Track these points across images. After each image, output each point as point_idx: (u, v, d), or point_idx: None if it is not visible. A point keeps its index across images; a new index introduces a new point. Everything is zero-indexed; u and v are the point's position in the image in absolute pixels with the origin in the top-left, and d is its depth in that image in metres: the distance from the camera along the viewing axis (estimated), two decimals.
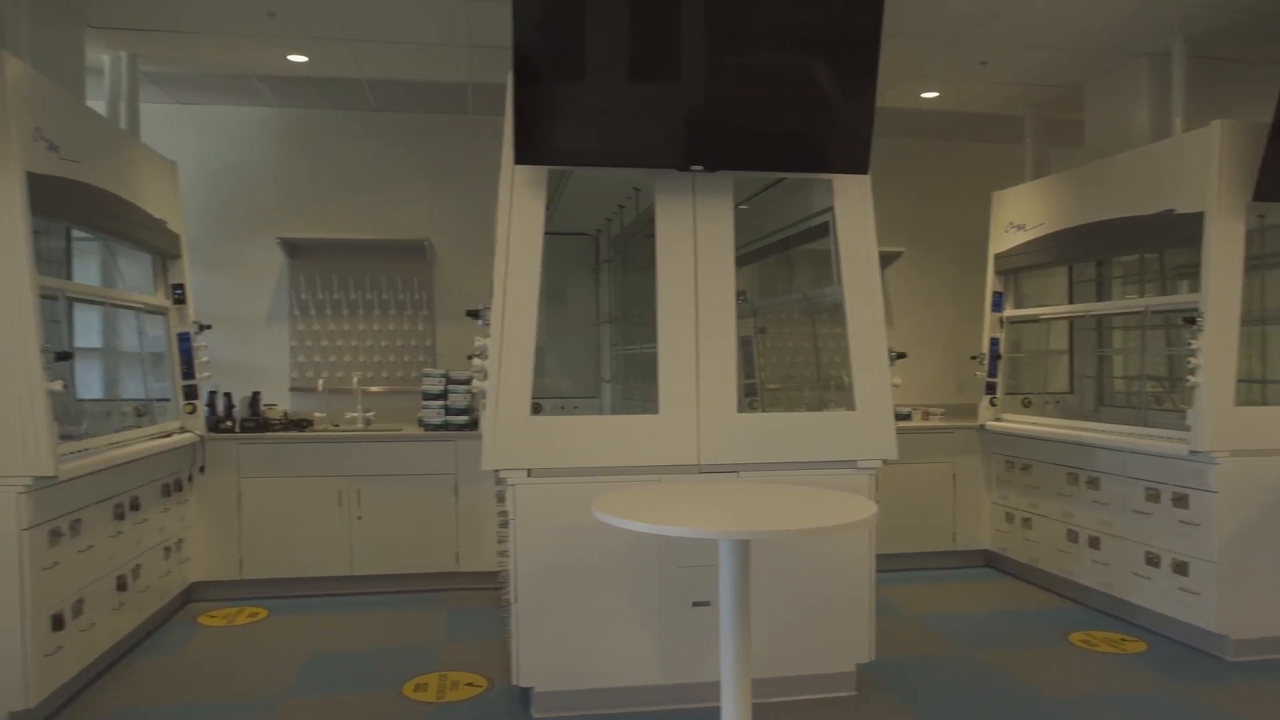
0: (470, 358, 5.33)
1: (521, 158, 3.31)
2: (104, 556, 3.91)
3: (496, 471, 3.53)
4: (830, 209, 3.73)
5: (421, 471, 5.25)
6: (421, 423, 5.39)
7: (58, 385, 3.31)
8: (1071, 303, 5.63)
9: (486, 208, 5.87)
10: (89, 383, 4.66)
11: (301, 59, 5.02)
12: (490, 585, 5.24)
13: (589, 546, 3.48)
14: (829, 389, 4.48)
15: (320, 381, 5.82)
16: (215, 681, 3.95)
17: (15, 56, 3.30)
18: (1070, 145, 6.06)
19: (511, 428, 3.43)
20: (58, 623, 3.47)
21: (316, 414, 5.50)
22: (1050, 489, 5.18)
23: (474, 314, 4.14)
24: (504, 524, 3.77)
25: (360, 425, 5.46)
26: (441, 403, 5.36)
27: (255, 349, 5.89)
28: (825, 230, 3.96)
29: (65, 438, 3.62)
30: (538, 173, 3.44)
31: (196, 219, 5.56)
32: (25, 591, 3.27)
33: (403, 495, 5.23)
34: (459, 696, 3.77)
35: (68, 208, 3.69)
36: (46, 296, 3.54)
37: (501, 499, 4.18)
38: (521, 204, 3.45)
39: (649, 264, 4.17)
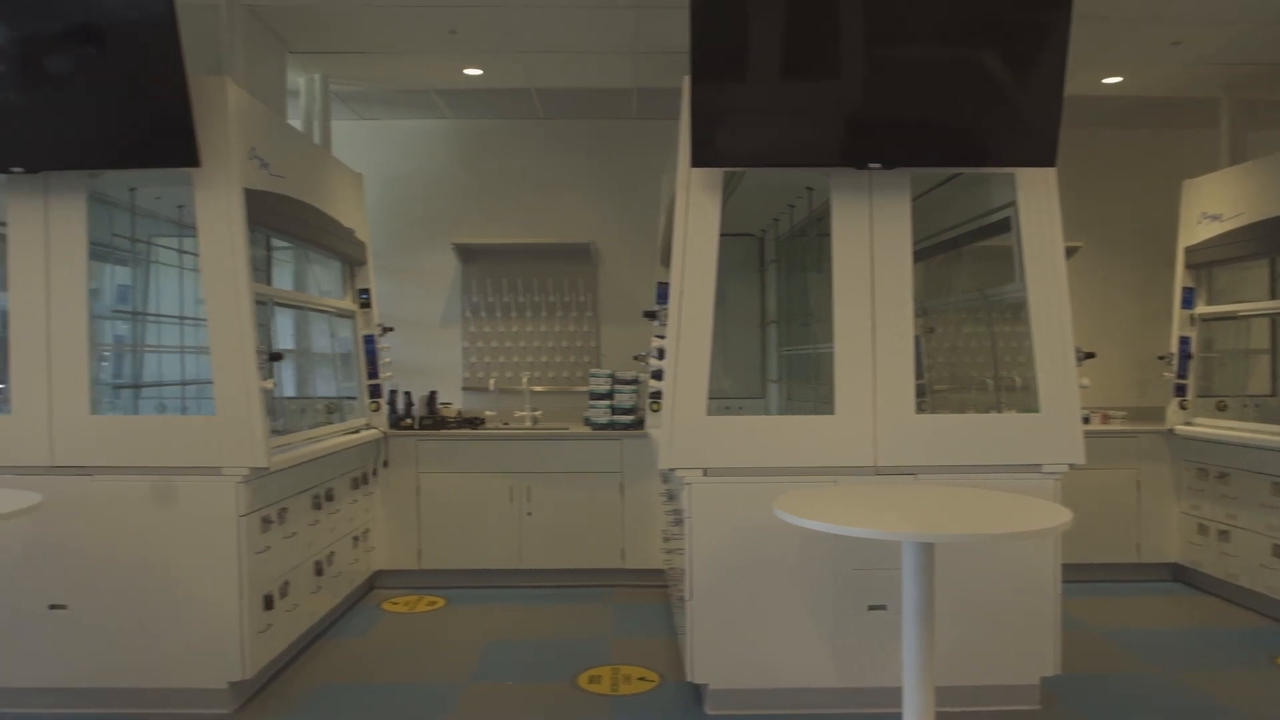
0: (636, 358, 5.44)
1: (699, 160, 3.35)
2: (304, 543, 4.21)
3: (671, 470, 3.58)
4: (1012, 203, 3.60)
5: (588, 469, 5.38)
6: (588, 422, 5.53)
7: (270, 384, 3.59)
8: (1275, 298, 5.22)
9: (649, 211, 6.00)
10: (287, 381, 5.02)
11: (476, 72, 5.25)
12: (654, 583, 5.32)
13: (764, 546, 3.49)
14: (1005, 390, 4.32)
15: (491, 381, 6.06)
16: (403, 663, 4.18)
17: (235, 83, 3.59)
18: (1271, 128, 5.62)
19: (688, 427, 3.48)
20: (268, 603, 3.76)
21: (488, 412, 5.73)
22: (1251, 500, 4.82)
23: (650, 315, 4.22)
24: (677, 522, 3.82)
25: (528, 424, 5.65)
26: (608, 402, 5.47)
27: (430, 350, 6.20)
28: (1001, 226, 3.83)
29: (272, 433, 3.91)
30: (714, 175, 3.47)
31: (378, 227, 5.90)
32: (242, 573, 3.55)
33: (570, 492, 5.38)
34: (632, 690, 3.84)
35: (275, 219, 3.99)
36: (257, 302, 3.84)
37: (672, 497, 4.24)
38: (697, 206, 3.49)
39: (818, 264, 4.15)
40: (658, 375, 4.95)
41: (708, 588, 3.53)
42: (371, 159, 6.04)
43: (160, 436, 3.56)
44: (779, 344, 5.31)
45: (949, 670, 3.40)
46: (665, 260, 5.22)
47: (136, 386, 4.23)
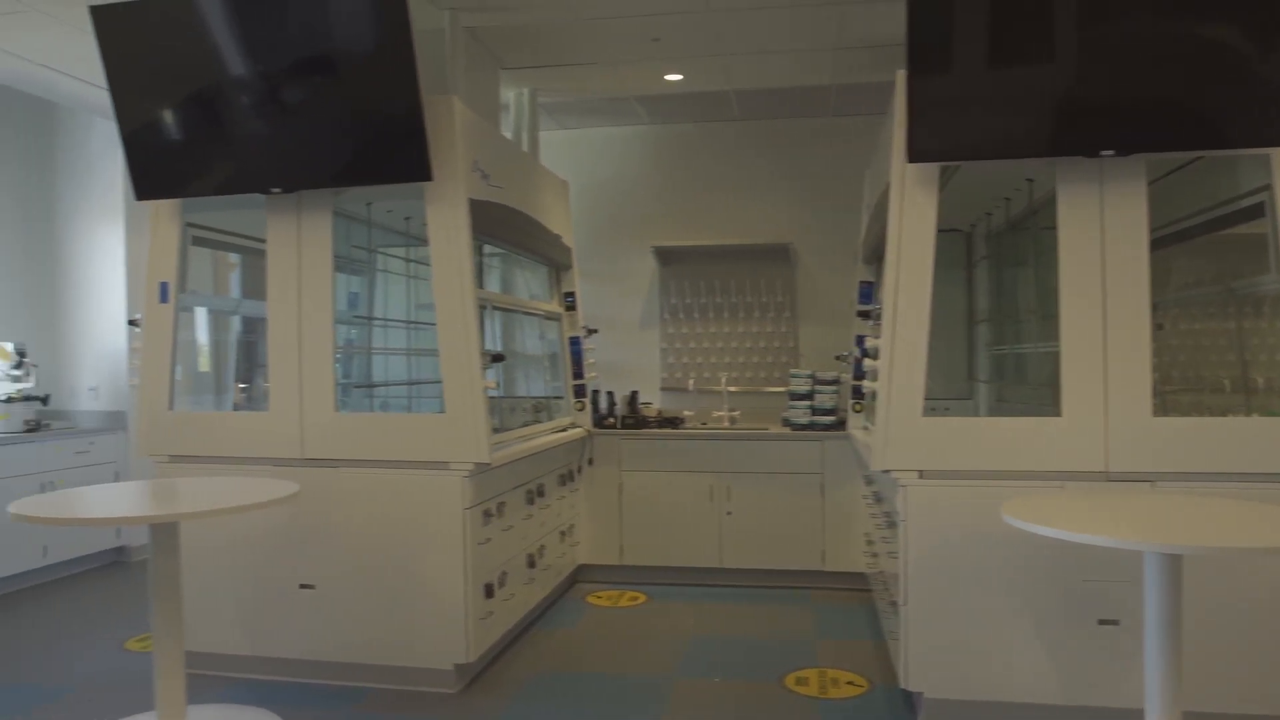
0: (838, 358, 5.37)
1: (916, 155, 3.26)
2: (519, 536, 4.41)
3: (884, 472, 3.50)
4: (1266, 187, 3.29)
5: (788, 470, 5.35)
6: (787, 422, 5.50)
7: (493, 384, 3.79)
8: None
9: (849, 209, 5.90)
10: (500, 381, 5.28)
11: (677, 77, 5.34)
12: (857, 586, 5.23)
13: (985, 552, 3.35)
14: (1249, 393, 3.95)
15: (690, 381, 6.14)
16: (612, 655, 4.30)
17: (460, 101, 3.82)
18: None
19: (903, 429, 3.39)
20: (489, 591, 3.97)
21: (686, 412, 5.81)
22: None
23: (864, 314, 4.15)
24: (889, 524, 3.74)
25: (727, 424, 5.68)
26: (808, 403, 5.43)
27: (630, 351, 6.35)
28: (1246, 214, 3.51)
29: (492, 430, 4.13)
30: (930, 170, 3.37)
31: (580, 232, 6.10)
32: (467, 562, 3.77)
33: (770, 493, 5.37)
34: (841, 694, 3.79)
35: (494, 227, 4.21)
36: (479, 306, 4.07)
37: (880, 499, 4.15)
38: (913, 203, 3.40)
39: (1036, 259, 3.94)
40: (861, 375, 4.87)
41: (923, 593, 3.43)
42: (573, 166, 6.26)
43: (395, 433, 3.84)
44: (989, 343, 5.10)
45: (1193, 694, 3.15)
46: (867, 259, 5.12)
47: (371, 386, 4.57)
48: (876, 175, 4.47)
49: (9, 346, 5.68)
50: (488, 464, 3.78)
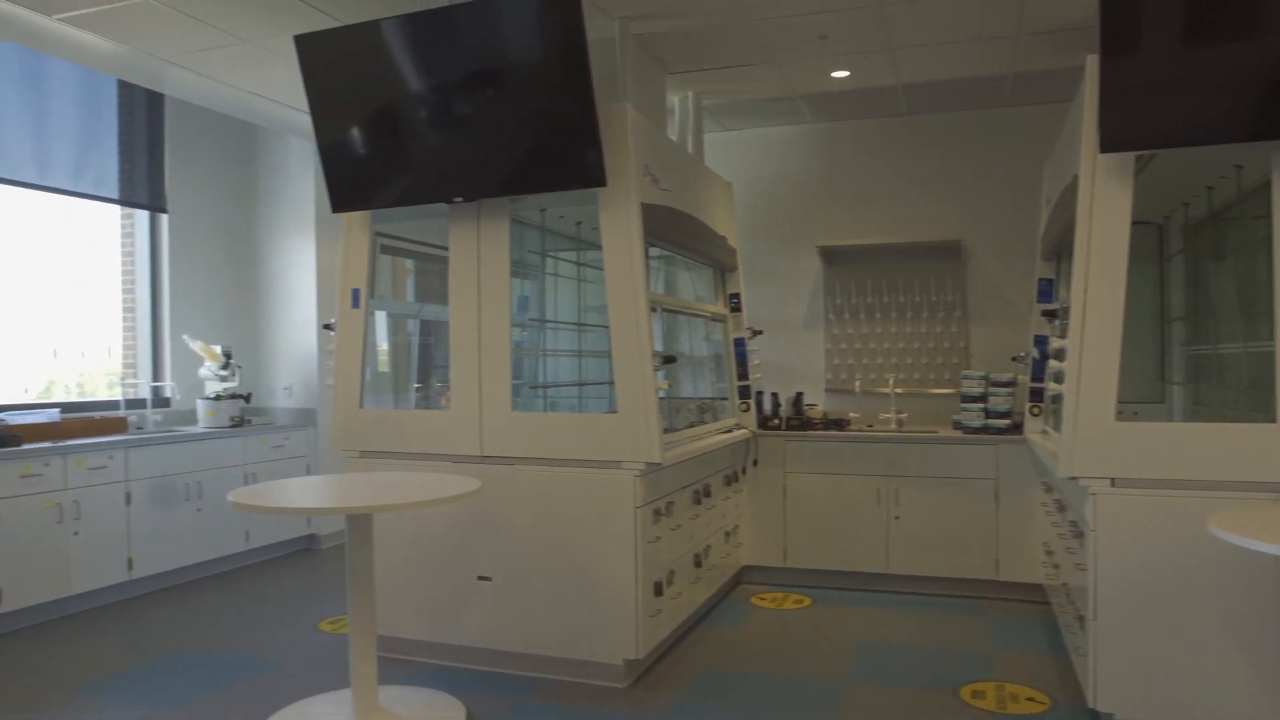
0: (1015, 359, 5.14)
1: (1110, 145, 3.08)
2: (686, 536, 4.45)
3: (1072, 479, 3.33)
4: None
5: (960, 475, 5.17)
6: (959, 425, 5.32)
7: (665, 385, 3.85)
8: None
9: (1025, 203, 5.64)
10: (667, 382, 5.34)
11: (843, 74, 5.26)
12: (1034, 598, 4.99)
13: (1186, 566, 3.14)
14: None
15: (856, 383, 6.03)
16: (779, 657, 4.28)
17: (631, 107, 3.89)
18: None
19: (1093, 433, 3.22)
20: (657, 589, 4.03)
21: (851, 414, 5.70)
22: None
23: (1050, 314, 3.96)
24: (1075, 534, 3.56)
25: (893, 426, 5.54)
26: (981, 405, 5.22)
27: (793, 352, 6.29)
28: None
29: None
30: (1123, 160, 3.18)
31: (744, 233, 6.10)
32: (638, 560, 3.84)
33: (940, 498, 5.20)
34: (1020, 710, 3.63)
35: (664, 230, 4.27)
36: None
37: (1063, 508, 3.96)
38: (1105, 195, 3.22)
39: (1243, 251, 3.66)
40: (1040, 377, 4.65)
41: (1115, 608, 3.24)
42: (736, 167, 6.26)
43: (569, 432, 3.95)
44: (1184, 343, 4.74)
45: None
46: (1047, 255, 4.88)
47: (544, 387, 4.72)
48: (1059, 166, 4.25)
49: (217, 349, 6.20)
50: (659, 464, 3.83)
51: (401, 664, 4.14)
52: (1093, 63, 3.14)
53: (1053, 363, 3.80)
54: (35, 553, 4.75)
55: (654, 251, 4.98)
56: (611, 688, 3.87)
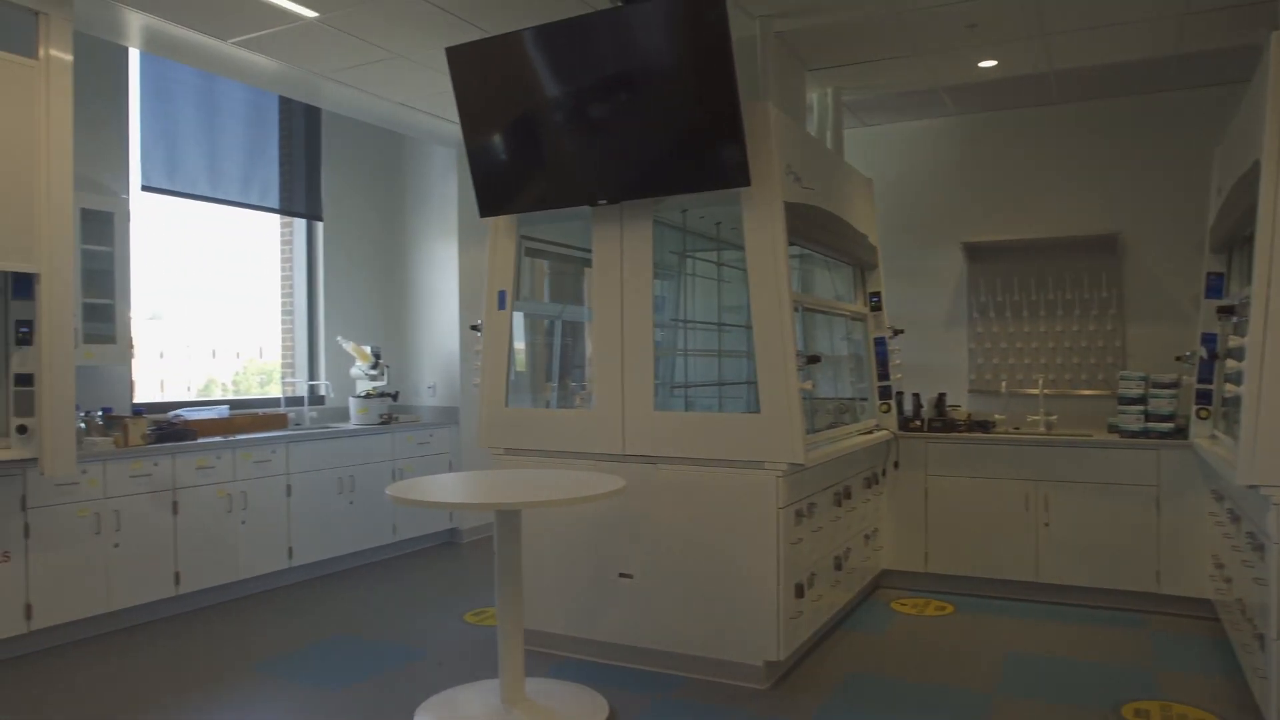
0: (1179, 358, 4.86)
1: None
2: (827, 538, 4.39)
3: (1252, 487, 3.12)
4: None
5: (1117, 481, 4.91)
6: (1115, 428, 5.05)
7: (809, 385, 3.81)
8: None
9: (1189, 193, 5.32)
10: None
11: (991, 64, 5.08)
12: (1200, 613, 4.71)
13: None
14: None
15: (1003, 383, 5.82)
16: (923, 664, 4.17)
17: (774, 106, 3.87)
18: None
19: (1276, 438, 3.00)
20: (799, 591, 3.99)
21: (997, 416, 5.50)
22: None
23: (1225, 310, 3.73)
24: (1255, 547, 3.32)
25: (1042, 428, 5.32)
26: (1141, 407, 4.95)
27: (935, 351, 6.11)
28: None
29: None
30: None
31: (884, 229, 5.96)
32: (780, 561, 3.81)
33: (1095, 504, 4.96)
34: None
35: (806, 229, 4.23)
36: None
37: (1236, 517, 3.71)
38: None
39: None
40: (1208, 378, 4.38)
41: None
42: (876, 163, 6.13)
43: (711, 432, 3.96)
44: None
45: None
46: (1217, 247, 4.58)
47: (685, 386, 4.74)
48: (1234, 152, 3.99)
49: (368, 349, 6.50)
50: (802, 465, 3.80)
51: (545, 657, 4.23)
52: (1277, 39, 2.93)
53: (1230, 362, 3.56)
54: (208, 539, 5.10)
55: (793, 250, 4.93)
56: (752, 689, 3.85)
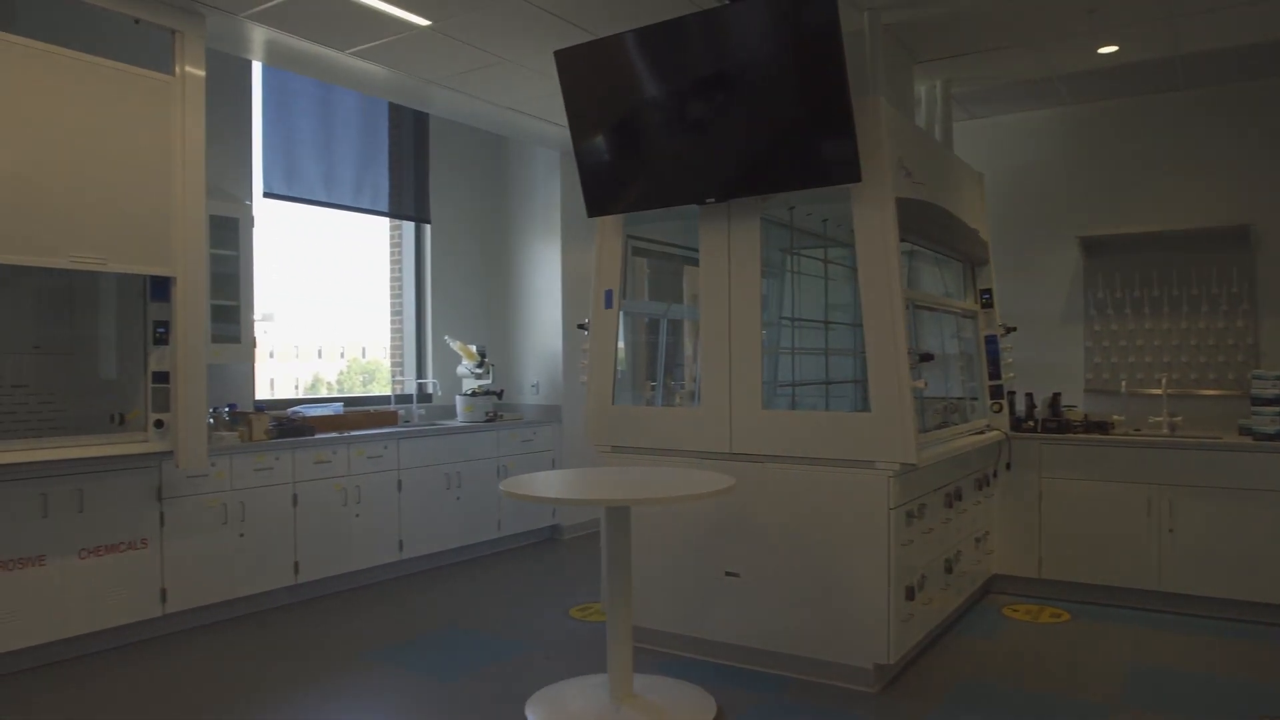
0: None
1: None
2: (938, 540, 4.30)
3: None
4: None
5: (1252, 486, 4.66)
6: (1248, 430, 4.79)
7: (921, 384, 3.74)
8: None
9: None
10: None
11: (1111, 49, 4.88)
12: None
13: None
14: None
15: (1122, 383, 5.58)
16: (1039, 673, 4.04)
17: (884, 100, 3.81)
18: None
19: None
20: (909, 594, 3.91)
21: (1115, 416, 5.28)
22: None
23: None
24: None
25: (1165, 430, 5.08)
26: (1277, 409, 4.69)
27: (1048, 350, 5.92)
28: None
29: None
30: None
31: (995, 224, 5.80)
32: (891, 563, 3.75)
33: (1226, 510, 4.71)
34: None
35: (917, 225, 4.14)
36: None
37: None
38: None
39: None
40: None
41: None
42: (986, 156, 5.95)
43: (820, 431, 3.91)
44: None
45: None
46: None
47: (793, 385, 4.70)
48: None
49: (474, 348, 6.64)
50: (914, 465, 3.73)
51: (651, 654, 4.25)
52: None
53: None
54: (325, 531, 5.30)
55: (902, 246, 4.84)
56: (861, 692, 3.80)
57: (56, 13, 4.24)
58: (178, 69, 4.25)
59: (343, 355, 6.88)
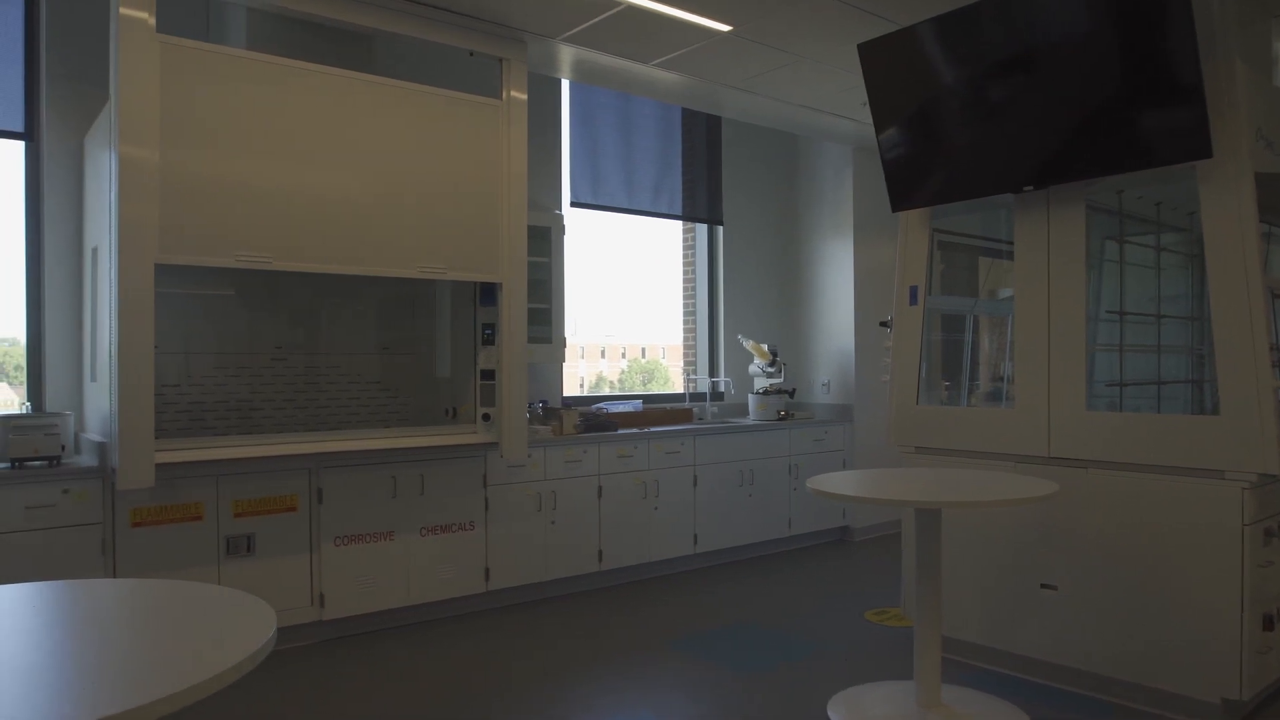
0: None
1: None
2: None
3: None
4: None
5: None
6: None
7: None
8: None
9: None
10: None
11: None
12: None
13: None
14: None
15: None
16: None
17: (1241, 62, 3.38)
18: None
19: None
20: (1267, 623, 3.44)
21: None
22: None
23: None
24: None
25: None
26: None
27: None
28: None
29: None
30: None
31: None
32: (1245, 586, 3.32)
33: None
34: None
35: (1277, 203, 3.65)
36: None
37: None
38: None
39: None
40: None
41: None
42: None
43: (1155, 434, 3.55)
44: None
45: None
46: None
47: (1121, 385, 4.31)
48: None
49: (766, 347, 6.70)
50: (1275, 476, 3.28)
51: (957, 665, 4.07)
52: None
53: None
54: (626, 522, 5.56)
55: (1260, 229, 4.28)
56: None
57: (402, 47, 4.77)
58: (505, 94, 4.65)
59: (623, 355, 7.19)
